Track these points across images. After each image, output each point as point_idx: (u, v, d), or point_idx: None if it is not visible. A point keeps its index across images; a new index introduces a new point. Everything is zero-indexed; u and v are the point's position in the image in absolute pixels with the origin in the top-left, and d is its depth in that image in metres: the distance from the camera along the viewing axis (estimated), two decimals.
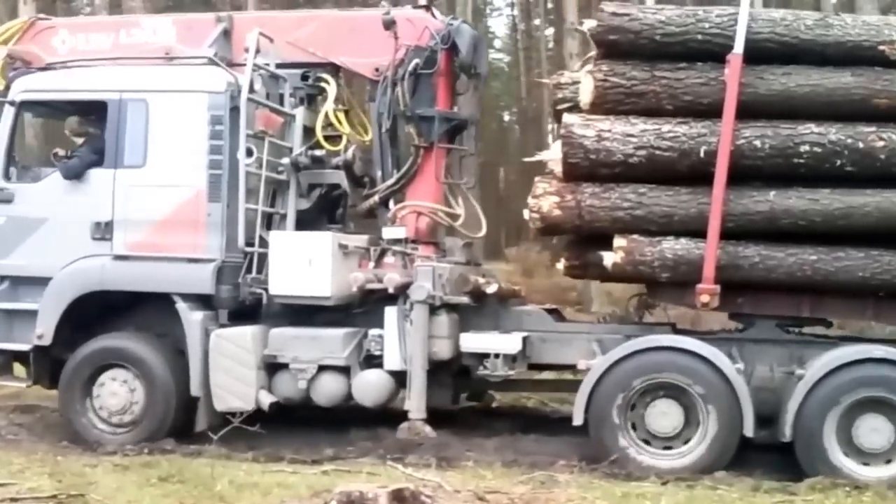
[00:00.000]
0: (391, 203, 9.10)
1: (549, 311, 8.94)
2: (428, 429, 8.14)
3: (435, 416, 8.38)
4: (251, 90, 8.44)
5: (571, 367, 8.57)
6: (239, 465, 7.50)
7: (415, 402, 8.17)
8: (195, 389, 8.40)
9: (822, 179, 7.67)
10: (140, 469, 7.35)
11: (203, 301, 8.54)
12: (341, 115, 9.30)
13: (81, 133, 8.98)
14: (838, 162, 7.58)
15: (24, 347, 8.75)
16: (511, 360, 8.30)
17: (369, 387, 8.37)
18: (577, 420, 7.74)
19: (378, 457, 7.68)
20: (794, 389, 7.41)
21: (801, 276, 7.66)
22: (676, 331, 8.41)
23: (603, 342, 8.24)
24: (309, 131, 9.19)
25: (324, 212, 9.41)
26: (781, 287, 7.80)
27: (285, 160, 8.89)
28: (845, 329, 9.40)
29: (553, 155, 8.21)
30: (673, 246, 7.84)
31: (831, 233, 7.63)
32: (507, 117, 36.57)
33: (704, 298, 7.68)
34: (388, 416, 8.56)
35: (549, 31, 27.30)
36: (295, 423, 8.82)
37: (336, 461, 7.64)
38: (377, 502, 5.28)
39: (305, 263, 8.33)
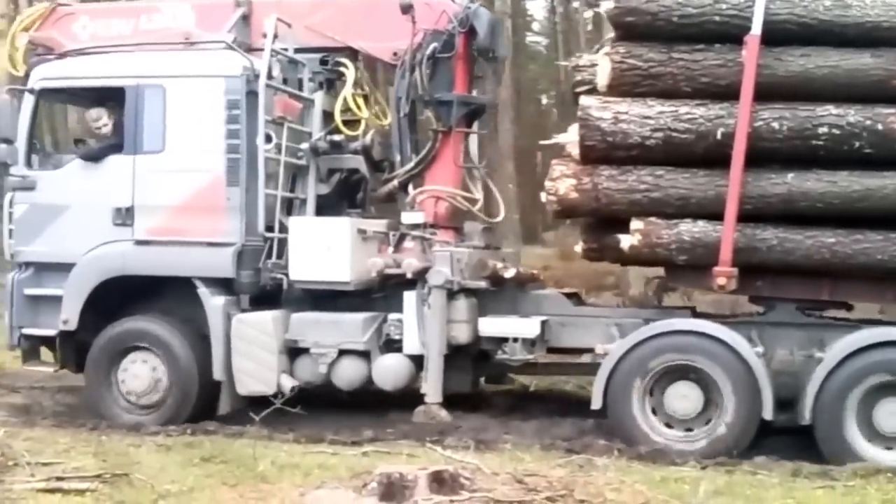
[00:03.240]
0: (410, 187, 9.13)
1: (569, 296, 8.95)
2: (444, 412, 8.19)
3: (467, 400, 8.48)
4: (269, 75, 8.47)
5: (590, 351, 8.58)
6: (280, 446, 7.59)
7: (431, 386, 8.22)
8: (218, 373, 8.49)
9: (841, 162, 7.60)
10: (183, 449, 7.47)
11: (224, 286, 8.62)
12: (360, 100, 9.32)
13: (99, 127, 9.02)
14: (857, 144, 7.50)
15: (51, 333, 8.90)
16: (530, 344, 8.33)
17: (389, 371, 8.43)
18: (596, 404, 7.77)
19: (417, 439, 7.72)
20: (813, 372, 7.38)
21: (820, 258, 7.62)
22: (696, 314, 8.39)
23: (622, 326, 8.25)
24: (329, 116, 9.24)
25: (343, 197, 9.45)
26: (800, 270, 7.75)
27: (304, 145, 8.93)
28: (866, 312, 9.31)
29: (570, 138, 8.20)
30: (690, 228, 7.82)
31: (849, 215, 7.57)
32: (544, 101, 36.38)
33: (721, 281, 7.65)
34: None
35: (588, 14, 27.17)
36: (334, 406, 8.92)
37: (376, 443, 7.73)
38: (417, 484, 5.30)
39: (325, 249, 8.39)
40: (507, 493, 5.45)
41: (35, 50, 9.67)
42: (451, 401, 8.46)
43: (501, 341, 8.42)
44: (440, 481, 5.37)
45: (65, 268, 8.83)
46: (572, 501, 5.45)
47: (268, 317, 8.51)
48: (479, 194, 9.35)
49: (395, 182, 9.14)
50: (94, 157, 8.82)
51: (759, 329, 7.93)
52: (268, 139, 8.47)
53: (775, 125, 7.62)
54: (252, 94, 8.50)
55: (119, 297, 8.90)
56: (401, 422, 8.34)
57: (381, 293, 8.81)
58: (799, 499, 6.28)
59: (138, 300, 8.97)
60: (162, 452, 7.40)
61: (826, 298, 7.97)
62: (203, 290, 8.54)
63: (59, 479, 6.28)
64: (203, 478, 6.58)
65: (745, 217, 7.66)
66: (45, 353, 9.32)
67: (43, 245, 8.94)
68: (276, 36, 8.77)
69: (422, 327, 8.38)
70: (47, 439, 7.71)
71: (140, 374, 8.69)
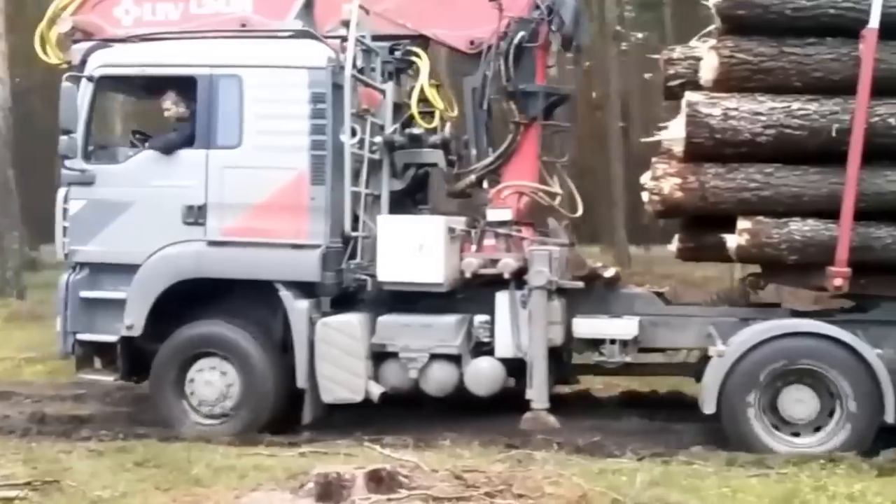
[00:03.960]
0: (485, 183, 8.80)
1: (657, 294, 8.71)
2: (552, 418, 7.91)
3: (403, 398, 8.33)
4: (354, 66, 8.05)
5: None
6: (216, 449, 7.39)
7: (537, 391, 7.92)
8: (301, 381, 8.06)
9: None
10: (115, 454, 7.23)
11: (305, 288, 8.17)
12: (434, 91, 8.93)
13: (174, 113, 8.48)
14: None
15: (110, 338, 8.34)
16: (627, 344, 8.09)
17: (483, 375, 8.11)
18: (710, 408, 7.55)
19: (355, 438, 7.58)
20: None
21: None
22: (794, 313, 8.20)
23: (719, 325, 8.05)
24: (397, 108, 8.84)
25: (408, 193, 9.07)
26: None
27: (378, 139, 8.51)
28: None
29: (673, 134, 7.96)
30: (801, 227, 7.67)
31: None
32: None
33: (838, 281, 7.51)
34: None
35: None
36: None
37: (313, 443, 7.54)
38: (354, 483, 5.32)
39: (416, 249, 8.02)
40: (445, 489, 5.48)
41: (72, 35, 9.05)
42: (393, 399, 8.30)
43: (596, 343, 8.17)
44: (378, 480, 5.40)
45: (125, 269, 8.30)
46: (511, 496, 5.49)
47: (354, 320, 8.11)
48: (558, 188, 9.04)
49: (473, 177, 8.79)
50: (164, 151, 8.26)
51: (864, 328, 7.78)
52: (353, 133, 8.04)
53: (892, 121, 7.54)
54: (336, 87, 8.06)
55: (180, 302, 8.37)
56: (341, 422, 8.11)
57: (463, 294, 8.47)
58: (734, 487, 6.34)
59: (201, 305, 8.45)
60: (94, 458, 7.14)
61: None
62: (285, 294, 8.09)
63: None
64: (135, 483, 6.40)
65: (859, 215, 7.53)
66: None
67: (101, 244, 8.36)
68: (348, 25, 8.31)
69: (516, 329, 8.07)
70: None
71: (212, 381, 8.22)
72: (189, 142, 8.26)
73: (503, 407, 8.41)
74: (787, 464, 6.92)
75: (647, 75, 33.43)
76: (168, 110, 8.46)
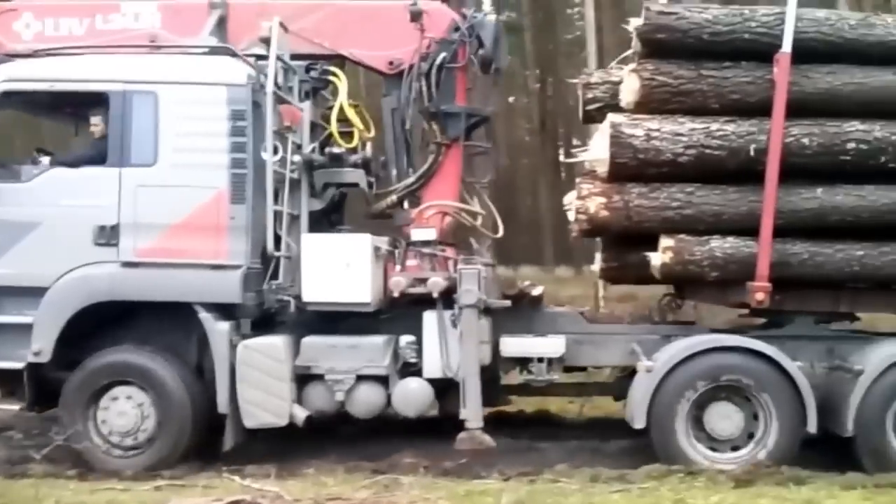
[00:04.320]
0: (405, 203, 8.74)
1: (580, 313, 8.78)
2: (487, 437, 7.84)
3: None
4: (275, 83, 7.89)
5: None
6: (66, 485, 7.13)
7: (472, 410, 7.83)
8: (222, 406, 7.77)
9: (868, 176, 7.83)
10: None
11: (224, 310, 7.91)
12: (353, 111, 8.82)
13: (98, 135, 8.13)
14: (882, 158, 7.77)
15: (17, 365, 7.87)
16: (554, 363, 8.12)
17: (412, 395, 7.99)
18: (640, 423, 7.61)
19: (216, 469, 7.42)
20: (853, 385, 7.50)
21: (849, 271, 7.80)
22: (713, 331, 8.36)
23: (643, 343, 8.16)
24: (314, 127, 8.70)
25: (324, 213, 8.91)
26: (828, 283, 7.91)
27: (297, 157, 8.33)
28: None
29: (596, 155, 8.06)
30: (721, 245, 7.83)
31: (878, 228, 7.80)
32: None
33: (760, 296, 7.70)
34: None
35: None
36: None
37: (172, 477, 7.35)
38: None
39: (343, 267, 7.87)
40: None
41: None
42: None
43: (523, 361, 8.17)
44: None
45: (31, 292, 7.85)
46: None
47: (278, 342, 7.89)
48: (479, 208, 9.04)
49: (394, 197, 8.71)
50: (70, 165, 7.93)
51: (779, 343, 7.98)
52: (275, 151, 7.86)
53: (805, 141, 7.78)
54: (255, 104, 7.88)
55: (88, 327, 7.99)
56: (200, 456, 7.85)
57: (387, 314, 8.36)
58: (597, 503, 6.55)
59: (110, 330, 8.10)
60: None
61: (845, 310, 8.18)
62: (205, 316, 7.81)
63: None
64: None
65: (776, 232, 7.75)
66: None
67: (5, 267, 7.88)
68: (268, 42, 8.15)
69: (444, 349, 8.00)
70: None
71: (125, 410, 7.86)
72: (99, 159, 7.92)
73: (371, 431, 8.43)
74: (648, 478, 7.10)
75: (510, 99, 34.29)
76: (96, 126, 8.07)
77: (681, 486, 6.88)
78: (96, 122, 8.05)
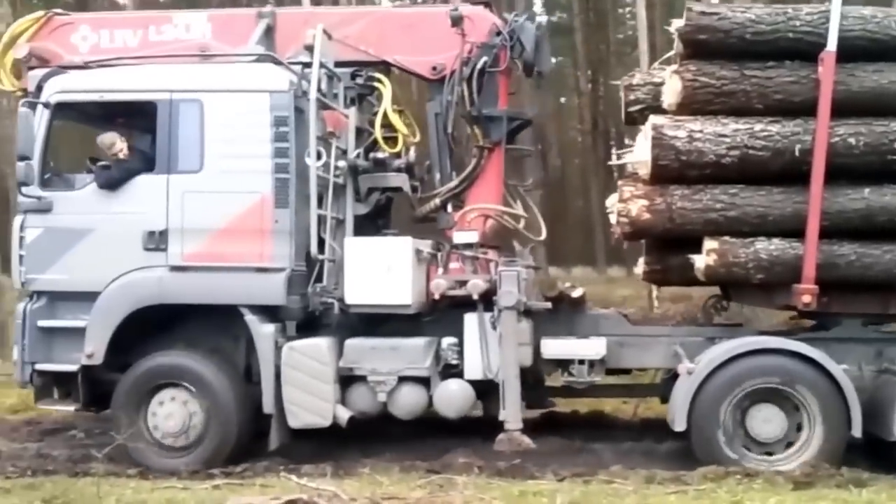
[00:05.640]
0: (449, 206, 8.80)
1: (623, 315, 8.75)
2: (527, 439, 7.86)
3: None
4: (319, 89, 7.99)
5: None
6: (127, 483, 7.26)
7: (511, 411, 7.87)
8: (268, 406, 7.91)
9: None
10: (22, 492, 6.99)
11: (269, 312, 8.05)
12: (398, 116, 8.91)
13: (114, 153, 8.31)
14: None
15: (70, 368, 8.10)
16: (595, 365, 8.11)
17: (453, 397, 8.06)
18: (680, 426, 7.57)
19: (271, 469, 7.49)
20: None
21: None
22: (759, 332, 8.29)
23: (686, 345, 8.11)
24: (360, 133, 8.80)
25: (370, 217, 9.01)
26: (876, 285, 7.79)
27: (341, 163, 8.44)
28: None
29: (638, 157, 8.03)
30: (766, 246, 7.76)
31: None
32: None
33: (806, 298, 7.61)
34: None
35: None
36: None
37: (230, 476, 7.45)
38: None
39: (384, 270, 7.96)
40: None
41: (28, 62, 8.86)
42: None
43: (564, 363, 8.17)
44: None
45: (84, 297, 8.08)
46: None
47: (322, 344, 8.00)
48: (521, 211, 9.07)
49: (437, 200, 8.78)
50: (110, 186, 8.13)
51: (825, 345, 7.87)
52: (318, 156, 7.97)
53: (852, 141, 7.67)
54: (297, 111, 8.00)
55: (139, 331, 8.18)
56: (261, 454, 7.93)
57: (430, 316, 8.42)
58: None
59: (160, 333, 8.28)
60: (1, 496, 6.92)
61: (895, 312, 8.02)
62: (251, 318, 7.95)
63: None
64: None
65: (823, 233, 7.65)
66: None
67: (59, 272, 8.14)
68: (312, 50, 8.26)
69: (485, 351, 8.04)
70: None
71: (173, 412, 8.03)
72: (134, 172, 8.11)
73: (424, 431, 8.43)
74: (705, 480, 7.01)
75: (562, 99, 34.05)
76: (113, 145, 8.26)
77: (738, 489, 6.78)
78: (109, 142, 8.24)
